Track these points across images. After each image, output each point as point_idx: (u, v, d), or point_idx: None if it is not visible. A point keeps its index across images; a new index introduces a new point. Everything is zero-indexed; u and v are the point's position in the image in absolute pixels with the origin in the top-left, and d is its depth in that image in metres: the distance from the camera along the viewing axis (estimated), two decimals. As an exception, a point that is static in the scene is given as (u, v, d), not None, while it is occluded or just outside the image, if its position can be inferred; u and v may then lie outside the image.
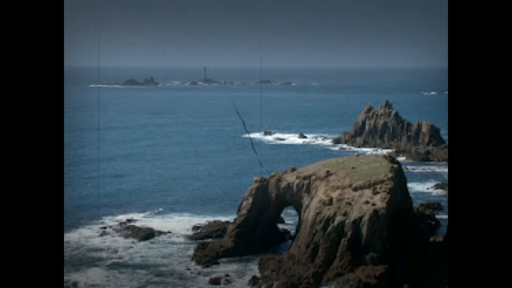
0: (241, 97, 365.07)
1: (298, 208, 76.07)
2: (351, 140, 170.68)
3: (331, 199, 68.59)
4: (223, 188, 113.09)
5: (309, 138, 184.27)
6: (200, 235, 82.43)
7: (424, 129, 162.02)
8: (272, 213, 79.21)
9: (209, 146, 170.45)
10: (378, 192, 66.90)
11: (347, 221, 64.85)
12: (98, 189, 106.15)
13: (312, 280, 62.39)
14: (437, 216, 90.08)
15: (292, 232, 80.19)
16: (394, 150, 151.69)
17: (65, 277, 64.10)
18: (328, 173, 73.86)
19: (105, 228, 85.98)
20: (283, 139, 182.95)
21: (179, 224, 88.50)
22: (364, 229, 63.60)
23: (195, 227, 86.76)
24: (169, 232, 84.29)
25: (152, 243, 79.89)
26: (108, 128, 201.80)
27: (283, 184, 77.21)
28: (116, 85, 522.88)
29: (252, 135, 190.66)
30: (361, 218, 64.26)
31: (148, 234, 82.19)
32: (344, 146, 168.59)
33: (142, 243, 79.57)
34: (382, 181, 68.56)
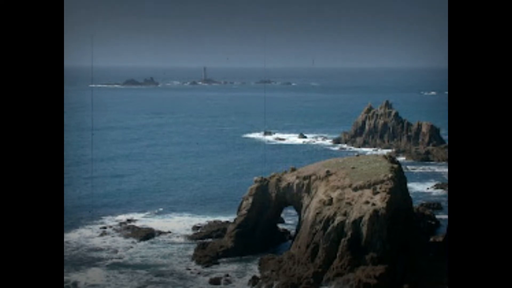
0: (241, 97, 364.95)
1: (298, 208, 76.06)
2: (351, 140, 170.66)
3: (331, 199, 68.59)
4: (223, 188, 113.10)
5: (309, 138, 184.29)
6: (200, 235, 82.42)
7: (424, 129, 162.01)
8: (272, 213, 79.19)
9: (209, 146, 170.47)
10: (378, 192, 66.91)
11: (347, 221, 64.85)
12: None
13: (312, 280, 62.38)
14: (437, 216, 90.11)
15: (292, 232, 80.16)
16: (394, 150, 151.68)
17: (65, 277, 64.08)
18: (328, 173, 73.86)
19: (105, 228, 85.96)
20: (283, 139, 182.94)
21: (179, 224, 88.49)
22: (364, 229, 63.61)
23: (195, 227, 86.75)
24: (169, 232, 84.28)
25: (152, 243, 79.88)
26: (108, 128, 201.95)
27: (283, 184, 77.21)
28: (116, 85, 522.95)
29: (253, 135, 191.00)
30: (361, 218, 64.26)
31: (148, 234, 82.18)
32: (344, 146, 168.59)
33: (142, 243, 79.56)
34: (382, 181, 68.56)
